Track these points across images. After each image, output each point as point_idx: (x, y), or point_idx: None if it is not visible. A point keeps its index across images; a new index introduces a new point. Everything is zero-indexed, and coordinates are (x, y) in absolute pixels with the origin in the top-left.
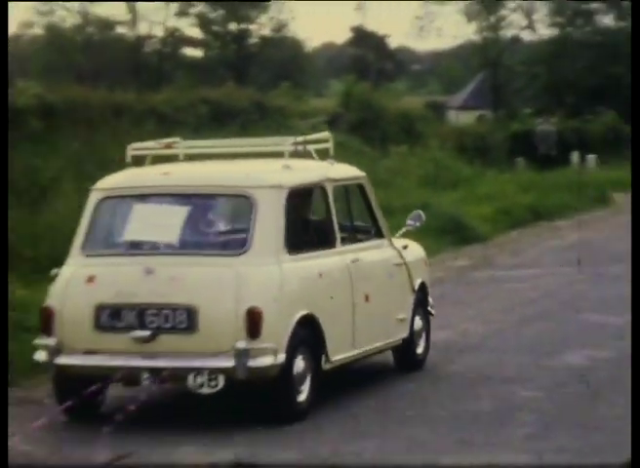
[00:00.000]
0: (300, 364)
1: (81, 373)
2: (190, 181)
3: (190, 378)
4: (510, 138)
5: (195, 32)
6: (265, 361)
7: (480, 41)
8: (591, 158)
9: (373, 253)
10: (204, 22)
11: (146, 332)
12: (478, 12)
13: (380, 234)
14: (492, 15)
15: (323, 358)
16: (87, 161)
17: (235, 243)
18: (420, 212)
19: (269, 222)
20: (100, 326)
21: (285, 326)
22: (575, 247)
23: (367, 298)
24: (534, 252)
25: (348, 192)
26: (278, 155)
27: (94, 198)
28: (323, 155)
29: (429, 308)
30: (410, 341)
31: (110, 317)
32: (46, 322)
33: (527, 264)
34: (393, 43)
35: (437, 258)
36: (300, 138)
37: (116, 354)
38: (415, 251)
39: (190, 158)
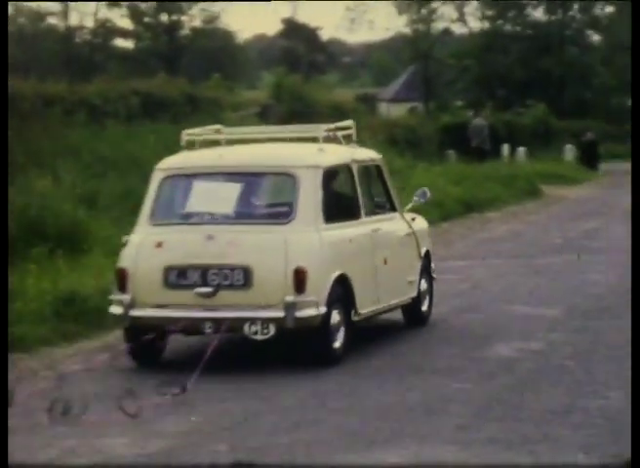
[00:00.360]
0: (335, 316)
1: (151, 324)
2: (241, 162)
3: (246, 327)
4: (441, 131)
5: (126, 23)
6: (309, 312)
7: (411, 34)
8: (521, 151)
9: (388, 224)
10: (135, 14)
11: (209, 289)
12: (409, 4)
13: (393, 208)
14: (423, 7)
15: (352, 311)
16: (17, 152)
17: (282, 213)
18: (426, 189)
19: (309, 197)
20: (168, 284)
21: (324, 283)
22: (505, 239)
23: (385, 262)
24: (464, 243)
25: (368, 172)
26: (311, 140)
27: (157, 177)
28: (347, 140)
29: (432, 273)
30: (417, 301)
31: (177, 276)
32: (121, 281)
33: (457, 256)
34: (325, 35)
35: None
36: (331, 126)
37: (182, 307)
38: (421, 223)
39: (231, 143)
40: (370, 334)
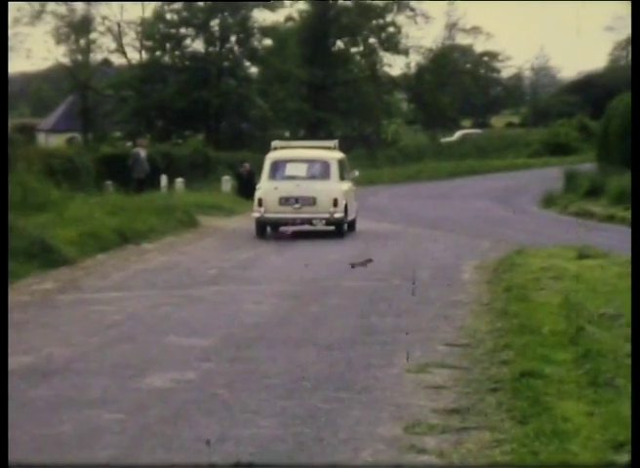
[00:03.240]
0: (347, 217)
1: (272, 220)
2: (306, 156)
3: (313, 221)
4: (100, 162)
5: None
6: (337, 216)
7: (70, 64)
8: (179, 182)
9: (348, 184)
10: None
11: (298, 205)
12: (68, 34)
13: (348, 177)
14: (81, 37)
15: (346, 216)
16: None
17: (324, 176)
18: (357, 172)
19: (334, 170)
20: (280, 203)
21: (342, 204)
22: (161, 270)
23: (352, 198)
24: (120, 275)
25: (344, 162)
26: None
27: (268, 160)
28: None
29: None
30: (353, 221)
31: (285, 200)
32: (259, 203)
33: (113, 287)
34: None
35: (23, 282)
36: (335, 142)
37: (286, 213)
38: (353, 186)
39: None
40: None
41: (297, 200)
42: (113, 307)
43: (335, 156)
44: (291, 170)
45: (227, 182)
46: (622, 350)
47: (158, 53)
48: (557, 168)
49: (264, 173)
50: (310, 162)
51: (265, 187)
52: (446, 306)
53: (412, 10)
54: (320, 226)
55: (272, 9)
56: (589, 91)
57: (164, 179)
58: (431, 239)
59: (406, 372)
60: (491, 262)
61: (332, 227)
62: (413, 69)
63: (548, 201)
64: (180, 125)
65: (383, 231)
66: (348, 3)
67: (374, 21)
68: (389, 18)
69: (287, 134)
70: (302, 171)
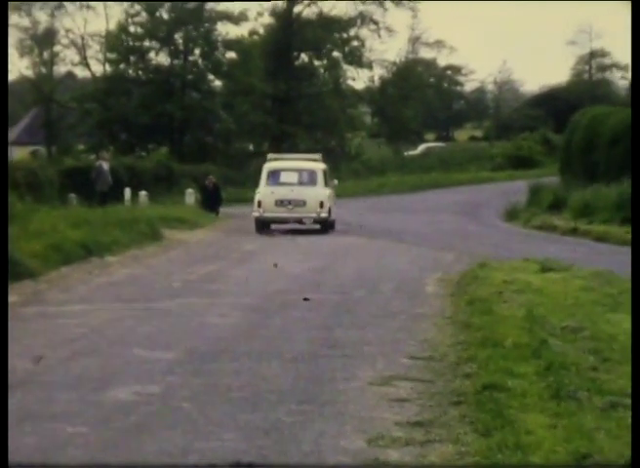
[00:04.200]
0: (330, 218)
1: (268, 219)
2: (297, 166)
3: (304, 219)
4: (63, 174)
5: None
6: (323, 215)
7: (34, 76)
8: (143, 194)
9: (331, 190)
10: None
11: (291, 206)
12: (31, 47)
13: (329, 184)
14: (45, 50)
15: (330, 216)
16: None
17: (312, 182)
18: (336, 181)
19: (320, 178)
20: (276, 205)
21: (327, 207)
22: (125, 282)
23: (333, 202)
24: (84, 288)
25: (326, 171)
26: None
27: (266, 170)
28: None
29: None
30: (333, 221)
31: (280, 202)
32: (259, 204)
33: (77, 300)
34: None
35: None
36: (319, 155)
37: (281, 213)
38: (333, 192)
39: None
40: None
41: (290, 202)
42: (77, 320)
43: (320, 166)
44: (284, 177)
45: (191, 195)
46: (585, 362)
47: (122, 65)
48: (520, 181)
49: (262, 180)
50: (300, 171)
51: (263, 192)
52: (409, 319)
53: (375, 23)
54: (308, 223)
55: (236, 22)
56: (552, 104)
57: (127, 192)
58: (395, 252)
59: (369, 385)
60: (454, 275)
61: (317, 226)
62: (376, 83)
63: (511, 214)
64: (144, 138)
65: (348, 244)
66: (312, 17)
67: (337, 35)
68: (353, 31)
69: (251, 147)
70: (294, 178)
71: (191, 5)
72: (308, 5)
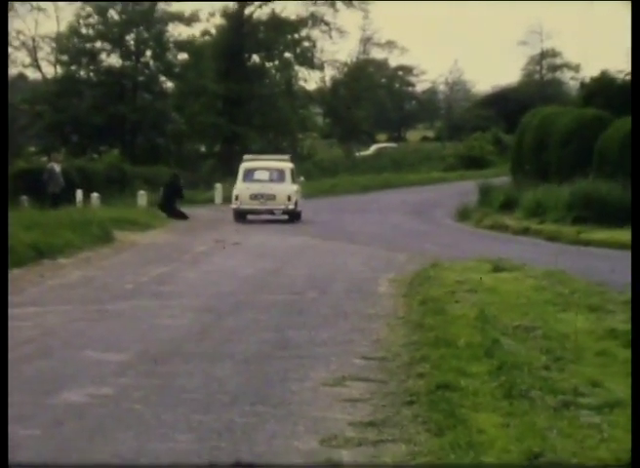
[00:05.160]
0: (296, 209)
1: (244, 210)
2: (269, 165)
3: (274, 211)
4: (15, 176)
5: None
6: (290, 207)
7: None
8: (95, 196)
9: (297, 186)
10: None
11: (263, 199)
12: None
13: (296, 181)
14: None
15: (296, 207)
16: None
17: (281, 179)
18: (302, 177)
19: (288, 175)
20: (250, 198)
21: (294, 200)
22: (77, 285)
23: (300, 196)
24: (36, 290)
25: (294, 169)
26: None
27: (242, 168)
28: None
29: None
30: (299, 212)
31: (254, 196)
32: (236, 198)
33: (29, 302)
34: None
35: None
36: (289, 156)
37: (255, 205)
38: (300, 187)
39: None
40: None
41: (262, 196)
42: (29, 323)
43: (288, 166)
44: (258, 175)
45: (143, 197)
46: (537, 362)
47: (73, 67)
48: (472, 181)
49: (239, 177)
50: (271, 170)
51: (240, 187)
52: (362, 319)
53: (327, 24)
54: (278, 215)
55: (188, 23)
56: (503, 104)
57: (79, 194)
58: (347, 252)
59: (322, 386)
60: (406, 275)
61: (286, 216)
62: (328, 84)
63: (463, 214)
64: (96, 139)
65: (300, 245)
66: (264, 18)
67: (289, 36)
68: (304, 32)
69: (203, 148)
70: (266, 176)
71: (143, 6)
72: (260, 6)
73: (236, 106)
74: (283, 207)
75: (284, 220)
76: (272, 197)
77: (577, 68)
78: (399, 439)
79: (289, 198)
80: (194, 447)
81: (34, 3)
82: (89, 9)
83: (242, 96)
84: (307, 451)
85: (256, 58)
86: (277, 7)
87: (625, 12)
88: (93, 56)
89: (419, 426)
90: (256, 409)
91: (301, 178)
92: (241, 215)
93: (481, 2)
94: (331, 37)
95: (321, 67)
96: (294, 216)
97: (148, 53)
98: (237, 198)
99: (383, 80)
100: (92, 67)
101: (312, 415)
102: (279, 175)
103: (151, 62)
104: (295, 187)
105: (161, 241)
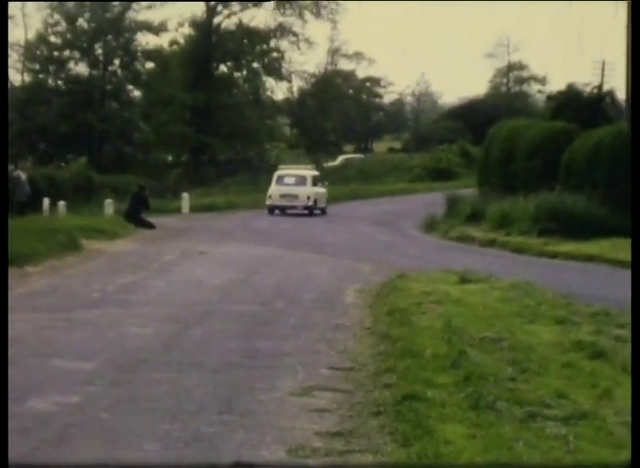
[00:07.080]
0: (317, 205)
1: (276, 206)
2: (295, 173)
3: (298, 208)
4: None
5: None
6: (310, 204)
7: None
8: (62, 205)
9: (319, 189)
10: None
11: (291, 198)
12: None
13: (317, 185)
14: None
15: (316, 205)
16: None
17: (303, 183)
18: (326, 182)
19: (309, 180)
20: (280, 197)
21: (313, 199)
22: (44, 293)
23: (322, 196)
24: None
25: (317, 176)
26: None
27: (276, 175)
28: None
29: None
30: (323, 208)
31: (282, 196)
32: (269, 196)
33: None
34: None
35: None
36: (313, 166)
37: (284, 201)
38: (323, 190)
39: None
40: None
41: (288, 195)
42: None
43: (310, 173)
44: (286, 180)
45: (110, 206)
46: (504, 373)
47: (41, 75)
48: (439, 193)
49: (273, 181)
50: (296, 176)
51: (273, 189)
52: (329, 330)
53: (295, 35)
54: (301, 210)
55: (156, 32)
56: (470, 116)
57: (46, 202)
58: (314, 263)
59: (289, 396)
60: (373, 286)
61: (306, 211)
62: (295, 94)
63: (430, 226)
64: (63, 148)
65: (267, 255)
66: (232, 28)
67: (257, 46)
68: (272, 43)
69: (170, 157)
70: (292, 181)
71: (111, 15)
72: (228, 16)
73: (204, 116)
74: (303, 203)
75: (255, 229)
76: (295, 196)
77: (543, 81)
78: (366, 449)
79: (308, 197)
80: (161, 456)
81: None
82: (57, 17)
83: (210, 105)
84: (274, 461)
85: (224, 67)
86: (245, 17)
87: (593, 24)
88: (61, 64)
89: (386, 437)
90: (223, 419)
91: (326, 183)
92: (272, 210)
93: (449, 14)
94: (299, 48)
95: (289, 78)
96: (312, 211)
97: (116, 61)
98: (270, 197)
99: (351, 91)
100: (60, 75)
101: (280, 425)
102: (302, 180)
103: (119, 71)
104: (315, 190)
105: (128, 250)
